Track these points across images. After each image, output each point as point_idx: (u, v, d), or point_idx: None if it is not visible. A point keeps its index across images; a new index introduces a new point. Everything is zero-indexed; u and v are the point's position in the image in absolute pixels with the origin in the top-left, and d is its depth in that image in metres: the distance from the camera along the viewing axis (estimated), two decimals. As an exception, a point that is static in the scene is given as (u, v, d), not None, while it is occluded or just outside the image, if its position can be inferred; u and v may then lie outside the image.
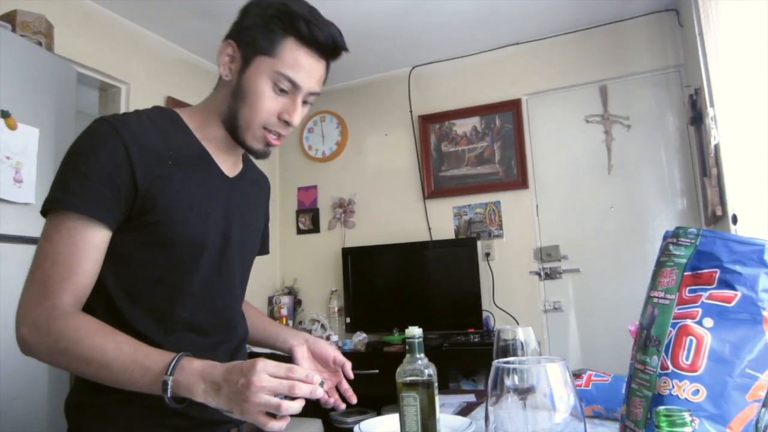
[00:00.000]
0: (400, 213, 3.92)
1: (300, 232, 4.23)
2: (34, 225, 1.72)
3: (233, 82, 0.99)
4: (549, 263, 3.51)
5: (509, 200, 3.65)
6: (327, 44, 0.97)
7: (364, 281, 3.77)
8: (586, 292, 3.42)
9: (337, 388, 1.13)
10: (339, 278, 3.88)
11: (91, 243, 0.88)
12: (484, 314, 3.46)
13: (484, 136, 3.78)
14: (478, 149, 3.79)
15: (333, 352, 1.12)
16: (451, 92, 3.89)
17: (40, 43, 2.00)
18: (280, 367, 0.77)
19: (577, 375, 1.34)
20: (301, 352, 1.10)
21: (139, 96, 3.18)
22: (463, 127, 3.84)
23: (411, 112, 3.96)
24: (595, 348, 3.31)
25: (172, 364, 0.79)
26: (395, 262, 3.74)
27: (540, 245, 3.55)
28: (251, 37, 0.96)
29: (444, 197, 3.81)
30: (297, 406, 0.77)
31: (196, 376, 0.78)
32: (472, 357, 3.12)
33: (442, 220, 3.80)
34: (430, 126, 3.93)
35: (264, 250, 1.24)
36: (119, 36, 3.10)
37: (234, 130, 1.00)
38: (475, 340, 3.25)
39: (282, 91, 0.96)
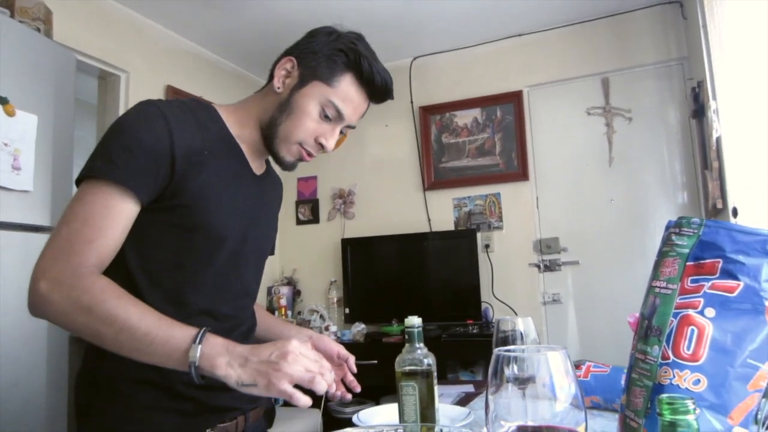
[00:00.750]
0: (399, 204, 3.91)
1: (299, 222, 4.22)
2: (32, 212, 1.72)
3: (283, 96, 1.04)
4: (548, 255, 3.51)
5: (509, 192, 3.65)
6: (380, 89, 1.06)
7: (364, 272, 3.77)
8: (585, 285, 3.42)
9: (343, 381, 1.17)
10: (338, 269, 3.88)
11: (124, 212, 0.90)
12: (483, 306, 3.46)
13: (485, 127, 3.76)
14: (478, 141, 3.77)
15: (337, 348, 1.17)
16: (452, 83, 3.87)
17: (38, 30, 1.99)
18: (311, 351, 0.81)
19: (576, 366, 1.34)
20: None
21: (138, 85, 3.16)
22: (464, 118, 3.83)
23: (412, 103, 3.95)
24: (594, 340, 3.32)
25: (200, 333, 0.80)
26: (395, 253, 3.74)
27: (540, 237, 3.55)
28: (314, 62, 1.03)
29: (444, 188, 3.81)
30: (323, 386, 0.79)
31: (220, 348, 0.79)
32: (470, 348, 3.13)
33: (441, 212, 3.80)
34: (431, 117, 3.91)
35: (271, 251, 1.28)
36: (119, 24, 3.07)
37: (270, 139, 1.05)
38: (474, 331, 3.26)
39: (326, 117, 1.03)
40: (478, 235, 3.60)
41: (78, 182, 0.92)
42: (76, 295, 0.81)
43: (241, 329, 1.10)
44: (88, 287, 0.82)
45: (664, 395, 0.43)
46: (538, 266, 3.53)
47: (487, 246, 3.62)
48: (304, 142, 1.04)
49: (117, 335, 0.80)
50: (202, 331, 0.80)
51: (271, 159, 1.16)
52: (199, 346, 0.78)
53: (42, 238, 1.74)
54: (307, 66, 1.03)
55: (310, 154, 1.06)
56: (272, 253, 1.28)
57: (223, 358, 0.78)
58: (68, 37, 2.61)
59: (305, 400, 0.77)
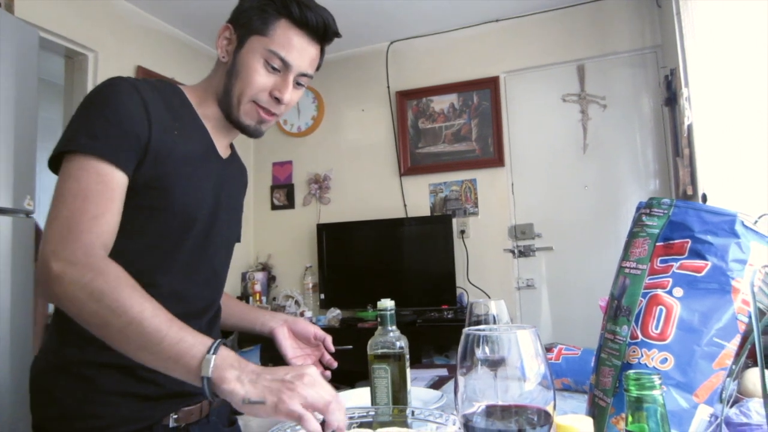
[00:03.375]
0: (375, 189, 3.89)
1: (274, 207, 4.18)
2: (-7, 194, 1.66)
3: (229, 63, 1.03)
4: (523, 241, 3.54)
5: (485, 178, 3.66)
6: (318, 27, 1.02)
7: (339, 257, 3.75)
8: (558, 270, 3.46)
9: (320, 361, 1.18)
10: (314, 254, 3.86)
11: (118, 187, 0.88)
12: (458, 291, 3.48)
13: (462, 113, 3.76)
14: (455, 126, 3.77)
15: (313, 328, 1.17)
16: (429, 68, 3.85)
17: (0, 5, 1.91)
18: (328, 385, 0.75)
19: (547, 349, 1.35)
20: (282, 333, 1.15)
21: (107, 65, 3.07)
22: (441, 103, 3.82)
23: (388, 87, 3.92)
24: (567, 325, 3.36)
25: (215, 344, 0.74)
26: (370, 239, 3.73)
27: (515, 223, 3.58)
28: (247, 19, 1.02)
29: (420, 174, 3.80)
30: (337, 417, 0.72)
31: (232, 360, 0.74)
32: (445, 333, 3.15)
33: (417, 197, 3.79)
34: (408, 102, 3.89)
35: (238, 238, 1.26)
36: (87, 1, 2.97)
37: (228, 108, 1.03)
38: (449, 316, 3.28)
39: (274, 69, 1.01)
40: (454, 221, 3.61)
41: (57, 157, 0.89)
42: (90, 277, 0.77)
43: (209, 314, 1.08)
44: (102, 270, 0.79)
45: (631, 371, 0.43)
46: (513, 252, 3.56)
47: (462, 232, 3.63)
48: (257, 98, 1.01)
49: (125, 328, 0.75)
50: (216, 342, 0.75)
51: (234, 141, 1.15)
52: (213, 356, 0.72)
53: (4, 221, 1.69)
54: (243, 25, 1.02)
55: (269, 112, 1.03)
56: (238, 240, 1.27)
57: (233, 372, 0.72)
58: (31, 13, 2.52)
59: (315, 426, 0.68)
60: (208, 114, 1.06)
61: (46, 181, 2.75)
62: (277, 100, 1.02)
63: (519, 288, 3.53)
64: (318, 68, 1.08)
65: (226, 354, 0.74)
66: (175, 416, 0.97)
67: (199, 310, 1.04)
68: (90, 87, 3.00)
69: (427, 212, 3.75)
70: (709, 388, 0.65)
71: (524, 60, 3.63)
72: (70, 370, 0.91)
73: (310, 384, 0.71)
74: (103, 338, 0.78)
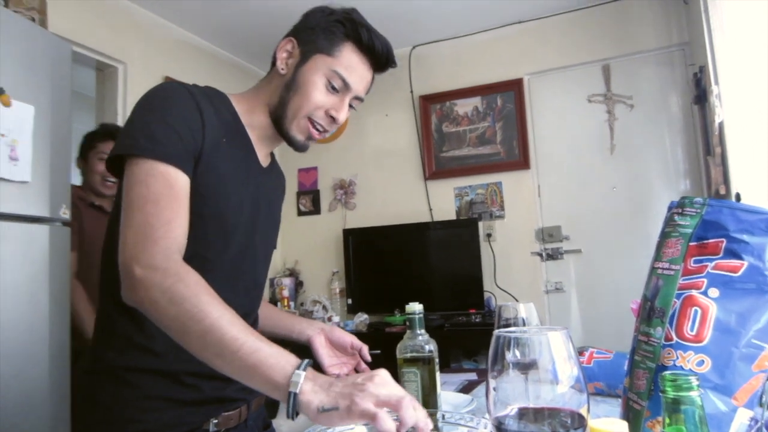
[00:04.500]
0: (400, 194, 3.90)
1: (300, 213, 4.21)
2: (31, 203, 1.71)
3: (288, 76, 1.04)
4: (551, 244, 3.50)
5: (511, 181, 3.63)
6: (381, 55, 1.05)
7: (366, 262, 3.76)
8: (587, 273, 3.41)
9: (356, 370, 1.18)
10: (340, 259, 3.87)
11: (183, 190, 0.89)
12: (486, 295, 3.46)
13: (486, 116, 3.74)
14: (479, 129, 3.75)
15: (350, 338, 1.17)
16: (452, 72, 3.84)
17: (33, 20, 1.97)
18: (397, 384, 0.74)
19: (579, 353, 1.33)
20: (319, 341, 1.16)
21: (136, 76, 3.14)
22: (465, 107, 3.80)
23: (412, 92, 3.92)
24: (597, 328, 3.31)
25: (304, 363, 0.74)
26: (396, 244, 3.73)
27: (542, 226, 3.54)
28: (312, 36, 1.03)
29: (445, 178, 3.79)
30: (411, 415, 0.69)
31: (308, 373, 0.73)
32: (473, 337, 3.13)
33: (443, 201, 3.78)
34: (431, 106, 3.89)
35: (274, 245, 1.27)
36: (115, 14, 3.05)
37: (280, 120, 1.05)
38: (477, 320, 3.26)
39: (333, 89, 1.03)
40: (480, 224, 3.59)
41: (115, 158, 0.91)
42: (171, 282, 0.79)
43: (248, 322, 1.09)
44: (183, 276, 0.80)
45: (667, 372, 0.43)
46: (541, 255, 3.52)
47: (489, 235, 3.61)
48: (313, 115, 1.03)
49: (204, 335, 0.76)
50: (306, 362, 0.74)
51: (275, 151, 1.17)
52: (303, 372, 0.71)
53: (41, 229, 1.74)
54: (307, 42, 1.04)
55: (319, 130, 1.05)
56: (275, 247, 1.28)
57: (308, 384, 0.71)
58: (64, 28, 2.59)
59: (390, 425, 0.67)
60: (254, 123, 1.07)
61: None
62: (332, 119, 1.04)
63: (548, 291, 3.49)
64: (367, 92, 1.12)
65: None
66: (216, 421, 0.98)
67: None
68: (120, 98, 3.08)
69: (452, 216, 3.74)
70: (749, 390, 0.63)
71: (548, 61, 3.60)
72: (114, 375, 0.93)
73: (381, 384, 0.71)
74: (182, 343, 0.79)
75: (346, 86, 1.03)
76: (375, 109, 4.04)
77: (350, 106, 1.07)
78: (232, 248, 1.01)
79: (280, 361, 0.73)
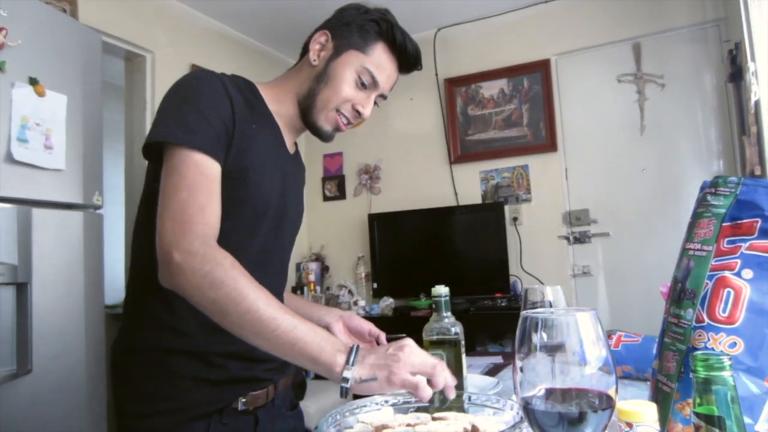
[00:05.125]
0: (426, 178, 3.88)
1: (326, 198, 4.24)
2: (66, 191, 1.76)
3: (319, 68, 1.07)
4: (578, 227, 3.46)
5: (537, 164, 3.58)
6: (411, 57, 1.10)
7: (391, 247, 3.77)
8: (616, 257, 3.36)
9: None
10: (366, 244, 3.89)
11: (216, 178, 0.92)
12: (512, 279, 3.44)
13: (512, 98, 3.69)
14: (505, 112, 3.71)
15: (368, 326, 1.20)
16: (477, 54, 3.79)
17: (64, 11, 2.01)
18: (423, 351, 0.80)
19: (606, 336, 1.32)
20: (338, 328, 1.18)
21: (164, 65, 3.18)
22: (490, 89, 3.76)
23: (436, 75, 3.89)
24: (626, 313, 3.27)
25: (354, 348, 0.78)
26: (422, 228, 3.73)
27: (569, 209, 3.49)
28: (347, 32, 1.07)
29: (471, 162, 3.76)
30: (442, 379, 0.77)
31: (340, 346, 0.79)
32: (499, 321, 3.12)
33: (468, 185, 3.76)
34: (456, 89, 3.85)
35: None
36: (143, 4, 3.08)
37: (308, 110, 1.08)
38: (503, 304, 3.25)
39: (362, 85, 1.07)
40: (506, 208, 3.56)
41: (150, 146, 0.94)
42: (210, 267, 0.82)
43: None
44: (220, 261, 0.83)
45: (699, 352, 0.42)
46: (568, 238, 3.48)
47: (515, 219, 3.58)
48: (341, 108, 1.07)
49: (243, 316, 0.80)
50: (355, 347, 0.78)
51: (302, 137, 1.19)
52: (354, 358, 0.76)
53: (76, 216, 1.79)
54: (341, 37, 1.07)
55: (346, 123, 1.09)
56: (298, 231, 1.31)
57: (343, 356, 0.77)
58: (94, 18, 2.63)
59: (429, 392, 0.74)
60: (281, 111, 1.10)
61: (112, 180, 2.89)
62: (358, 113, 1.08)
63: (575, 275, 3.46)
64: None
65: (336, 340, 0.81)
66: (244, 400, 1.01)
67: None
68: (149, 87, 3.13)
69: (478, 200, 3.72)
70: (783, 373, 0.62)
71: (575, 41, 3.52)
72: (146, 355, 0.97)
73: (412, 353, 0.77)
74: (221, 324, 0.83)
75: (374, 83, 1.07)
76: (399, 93, 3.99)
77: (375, 103, 1.11)
78: (262, 231, 1.03)
79: (315, 338, 0.79)
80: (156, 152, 0.95)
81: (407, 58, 1.10)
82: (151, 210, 0.92)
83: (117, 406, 0.99)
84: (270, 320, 0.79)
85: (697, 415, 0.41)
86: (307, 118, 1.09)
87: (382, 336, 1.19)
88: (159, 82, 3.14)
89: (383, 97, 1.12)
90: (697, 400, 0.42)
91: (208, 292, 0.81)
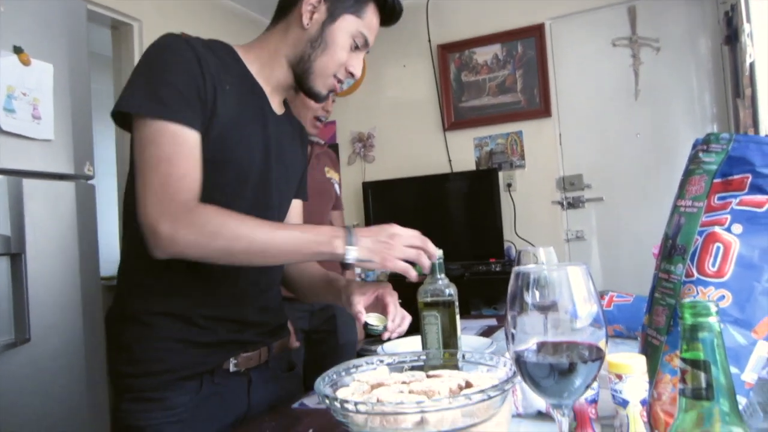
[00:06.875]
0: (419, 146, 3.87)
1: (320, 168, 4.21)
2: (54, 161, 1.74)
3: (312, 31, 1.05)
4: (572, 192, 3.47)
5: (531, 130, 3.57)
6: (395, 15, 1.11)
7: (385, 214, 3.77)
8: (609, 221, 3.38)
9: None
10: (360, 212, 3.90)
11: (195, 144, 0.93)
12: (506, 244, 3.46)
13: (506, 64, 3.65)
14: (499, 78, 3.67)
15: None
16: (470, 19, 3.73)
17: (47, -24, 1.95)
18: (412, 231, 0.98)
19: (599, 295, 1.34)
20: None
21: (152, 34, 3.08)
22: (484, 55, 3.71)
23: (429, 41, 3.83)
24: (618, 276, 3.30)
25: (351, 229, 0.95)
26: (416, 195, 3.73)
27: (563, 174, 3.50)
28: None
29: (464, 128, 3.74)
30: (427, 262, 0.98)
31: (337, 231, 0.94)
32: (493, 286, 3.16)
33: (462, 152, 3.75)
34: (450, 55, 3.80)
35: (302, 195, 1.28)
36: (127, -31, 3.00)
37: (305, 75, 1.07)
38: (497, 269, 3.28)
39: (355, 47, 1.07)
40: (500, 174, 3.56)
41: (119, 114, 0.94)
42: (199, 226, 0.87)
43: (267, 276, 1.13)
44: (207, 217, 0.88)
45: (687, 300, 0.43)
46: (561, 204, 3.50)
47: (509, 185, 3.58)
48: (337, 72, 1.07)
49: (247, 251, 0.90)
50: (349, 230, 0.94)
51: (286, 100, 1.18)
52: (351, 239, 0.92)
53: (67, 186, 1.78)
54: (333, 0, 1.05)
55: (340, 82, 1.10)
56: (305, 198, 1.30)
57: (340, 241, 0.92)
58: (78, -15, 2.57)
59: (414, 275, 0.96)
60: (264, 72, 1.09)
61: (104, 152, 2.86)
62: (351, 75, 1.09)
63: (568, 240, 3.48)
64: None
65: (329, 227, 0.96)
66: (235, 361, 1.03)
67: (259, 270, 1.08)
68: (137, 57, 3.06)
69: (472, 167, 3.71)
70: (769, 324, 0.63)
71: (570, 4, 3.46)
72: (137, 319, 0.98)
73: (400, 237, 0.95)
74: (232, 263, 0.93)
75: (366, 45, 1.08)
76: (392, 60, 3.96)
77: None
78: (247, 194, 1.03)
79: (310, 236, 0.93)
80: (126, 120, 0.95)
81: (392, 14, 1.11)
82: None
83: (111, 368, 1.01)
84: (269, 242, 0.90)
85: (684, 360, 0.42)
86: (303, 83, 1.08)
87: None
88: (147, 51, 3.08)
89: (367, 51, 1.13)
90: (684, 347, 0.42)
91: (207, 245, 0.87)
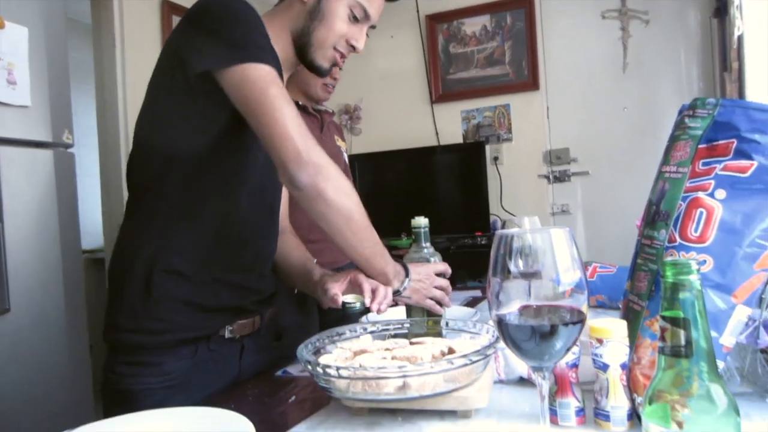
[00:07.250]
0: (407, 118, 3.84)
1: (306, 140, 4.17)
2: (32, 128, 1.70)
3: (311, 4, 1.05)
4: (558, 166, 3.47)
5: (519, 103, 3.55)
6: None
7: (372, 187, 3.76)
8: (595, 195, 3.40)
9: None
10: (347, 186, 3.87)
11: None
12: (492, 218, 3.47)
13: (494, 35, 3.61)
14: (487, 50, 3.63)
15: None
16: (459, -12, 3.67)
17: (20, -64, 1.87)
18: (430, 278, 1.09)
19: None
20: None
21: (132, 2, 3.02)
22: (473, 26, 3.67)
23: (417, 11, 3.77)
24: (603, 249, 3.32)
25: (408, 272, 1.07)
26: (403, 168, 3.72)
27: (549, 148, 3.50)
28: None
29: (452, 101, 3.71)
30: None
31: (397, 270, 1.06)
32: (479, 259, 3.17)
33: (449, 125, 3.73)
34: (438, 26, 3.75)
35: None
36: (105, -69, 2.89)
37: (305, 48, 1.07)
38: (483, 242, 3.29)
39: (354, 18, 1.07)
40: (487, 147, 3.55)
41: (215, 67, 0.91)
42: (337, 179, 0.93)
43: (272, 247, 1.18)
44: (340, 174, 0.95)
45: (669, 258, 0.43)
46: (548, 177, 3.50)
47: (495, 158, 3.58)
48: (337, 44, 1.07)
49: (361, 225, 1.01)
50: (407, 280, 1.07)
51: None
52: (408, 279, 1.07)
53: (45, 154, 1.74)
54: None
55: (342, 57, 1.10)
56: None
57: (398, 283, 1.06)
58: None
59: (439, 309, 1.11)
60: (277, 49, 1.05)
61: (84, 122, 2.80)
62: (353, 48, 1.09)
63: (554, 213, 3.50)
64: None
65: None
66: (230, 328, 1.04)
67: (270, 250, 1.17)
68: (117, 25, 2.94)
69: (459, 140, 3.70)
70: (749, 289, 0.64)
71: (561, -26, 3.42)
72: (140, 276, 0.97)
73: (434, 282, 1.10)
74: (335, 227, 0.98)
75: (366, 16, 1.07)
76: (379, 30, 3.83)
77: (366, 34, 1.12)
78: (259, 162, 1.05)
79: (385, 263, 1.05)
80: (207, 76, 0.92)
81: None
82: (163, 126, 0.98)
83: (109, 321, 1.00)
84: (361, 234, 1.01)
85: (664, 318, 0.42)
86: (304, 57, 1.08)
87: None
88: (128, 20, 2.98)
89: (373, 27, 1.12)
90: (665, 305, 0.42)
91: (343, 198, 0.95)
